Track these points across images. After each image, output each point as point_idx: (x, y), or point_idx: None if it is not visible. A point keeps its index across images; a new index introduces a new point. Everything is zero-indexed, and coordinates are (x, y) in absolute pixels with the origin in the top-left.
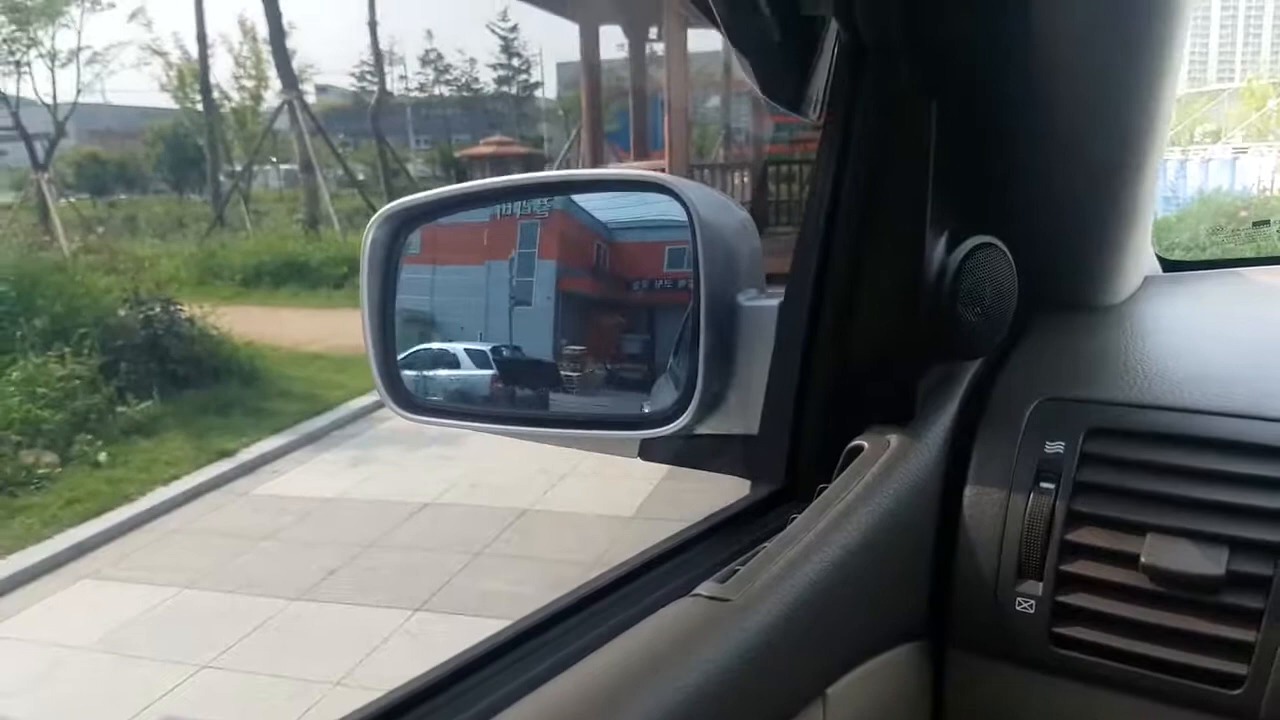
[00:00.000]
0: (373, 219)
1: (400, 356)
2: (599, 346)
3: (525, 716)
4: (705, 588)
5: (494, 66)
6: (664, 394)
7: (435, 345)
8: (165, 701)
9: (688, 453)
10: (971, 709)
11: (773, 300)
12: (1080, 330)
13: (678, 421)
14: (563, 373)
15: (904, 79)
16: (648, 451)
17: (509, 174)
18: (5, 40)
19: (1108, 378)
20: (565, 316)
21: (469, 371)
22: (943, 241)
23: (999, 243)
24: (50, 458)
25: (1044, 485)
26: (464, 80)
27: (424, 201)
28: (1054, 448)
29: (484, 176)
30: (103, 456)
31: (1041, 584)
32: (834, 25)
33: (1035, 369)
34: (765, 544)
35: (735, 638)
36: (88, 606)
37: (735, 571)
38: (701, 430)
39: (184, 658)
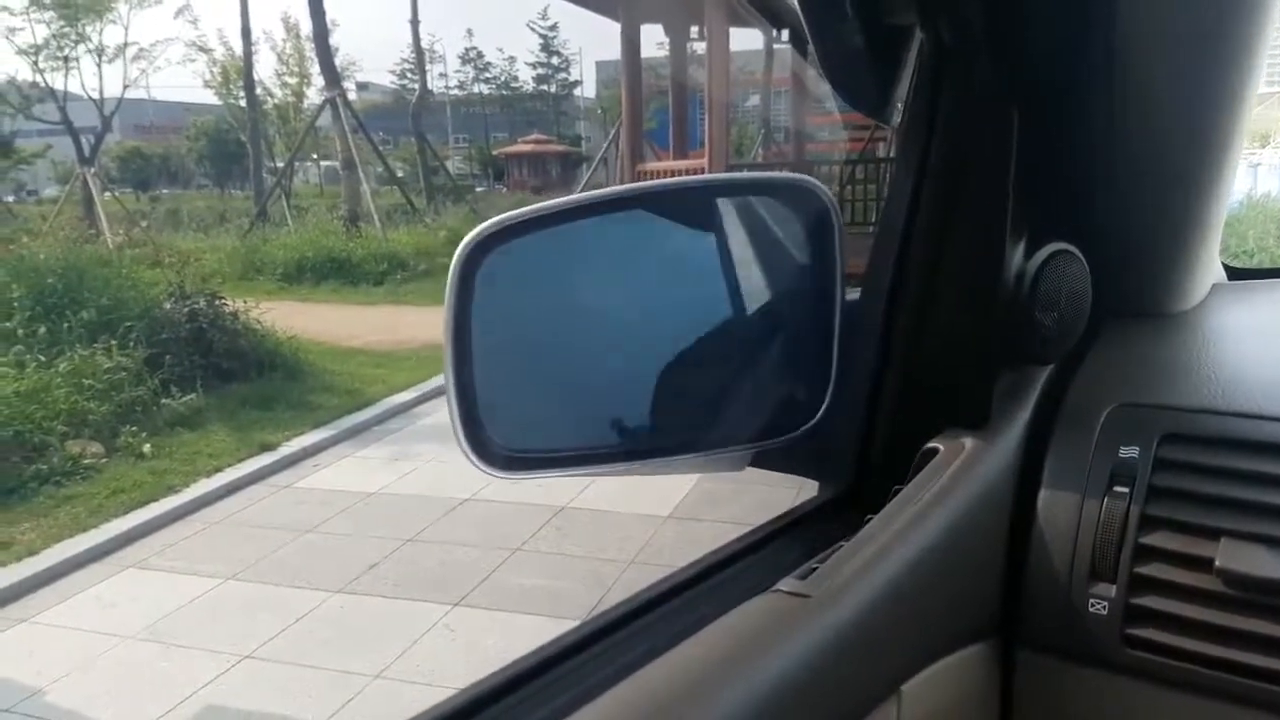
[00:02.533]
0: (462, 242)
1: (487, 398)
2: (720, 357)
3: (612, 706)
4: (786, 584)
5: (533, 65)
6: (788, 398)
7: (533, 385)
8: (208, 690)
9: (757, 455)
10: (1042, 708)
11: (849, 298)
12: (1153, 337)
13: (807, 425)
14: (681, 391)
15: (986, 85)
16: (757, 459)
17: (546, 171)
18: (54, 36)
19: (1181, 384)
20: (703, 317)
21: (577, 411)
22: (1020, 246)
23: (1075, 250)
24: (96, 448)
25: (1118, 489)
26: (503, 78)
27: (521, 219)
28: (1128, 452)
29: (521, 174)
30: (147, 448)
31: (1115, 586)
32: (917, 32)
33: (1109, 375)
34: (842, 542)
35: (815, 633)
36: (133, 596)
37: (814, 569)
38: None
39: (226, 648)
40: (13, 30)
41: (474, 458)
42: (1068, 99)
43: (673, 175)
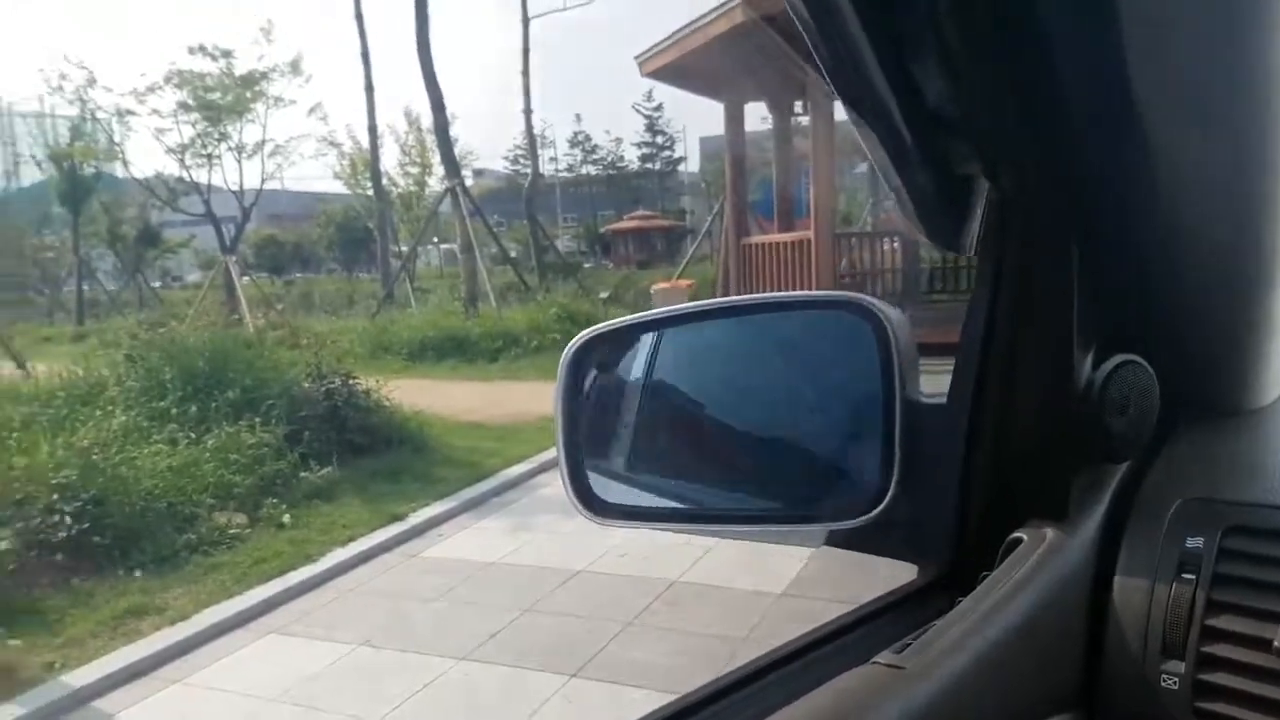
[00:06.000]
0: (570, 344)
1: (589, 466)
2: (789, 444)
3: None
4: (883, 657)
5: (638, 144)
6: (855, 486)
7: (626, 457)
8: None
9: (859, 538)
10: None
11: (937, 400)
12: (1221, 435)
13: (873, 512)
14: (757, 468)
15: (1047, 227)
16: (837, 539)
17: (651, 246)
18: (199, 135)
19: (1245, 480)
20: (776, 411)
21: (663, 479)
22: (1089, 359)
23: (1140, 360)
24: (240, 519)
25: (1185, 576)
26: (609, 159)
27: (615, 327)
28: (1194, 543)
29: (626, 250)
30: (287, 518)
31: (1184, 664)
32: (982, 181)
33: (1178, 471)
34: (935, 622)
35: (908, 701)
36: (274, 660)
37: (908, 645)
38: (889, 520)
39: (360, 712)
40: (161, 131)
41: (578, 505)
42: (1125, 228)
43: (777, 246)
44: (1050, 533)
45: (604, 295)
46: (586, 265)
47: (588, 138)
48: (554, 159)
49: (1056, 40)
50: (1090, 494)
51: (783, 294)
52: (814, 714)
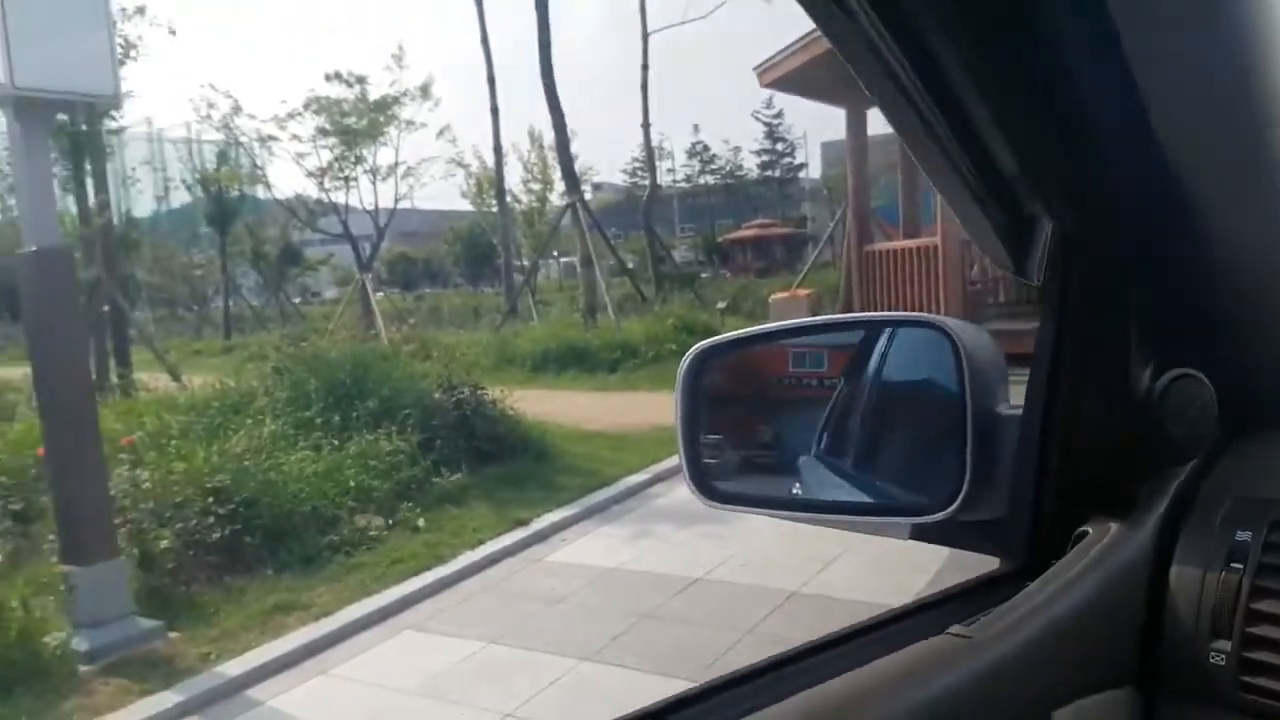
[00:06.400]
0: (687, 353)
1: (705, 460)
2: (893, 443)
3: (802, 705)
4: (954, 629)
5: (758, 152)
6: (935, 486)
7: (738, 450)
8: None
9: (948, 534)
10: None
11: (1015, 410)
12: (1276, 443)
13: (948, 509)
14: (857, 466)
15: (1104, 261)
16: (919, 533)
17: (770, 254)
18: (336, 159)
19: None
20: (867, 416)
21: (769, 471)
22: (1148, 373)
23: (1196, 372)
24: (378, 522)
25: (1234, 566)
26: (728, 168)
27: (727, 340)
28: (1243, 536)
29: (745, 258)
30: (421, 522)
31: (1231, 643)
32: (1046, 219)
33: (1234, 474)
34: (1005, 602)
35: (973, 666)
36: (410, 655)
37: (978, 619)
38: (964, 517)
39: (491, 706)
40: (301, 155)
41: (694, 489)
42: (1175, 252)
43: (902, 252)
44: (1115, 527)
45: (721, 305)
46: (704, 275)
47: (706, 148)
48: (672, 170)
49: (1104, 91)
50: (1152, 494)
51: (873, 314)
52: (887, 675)
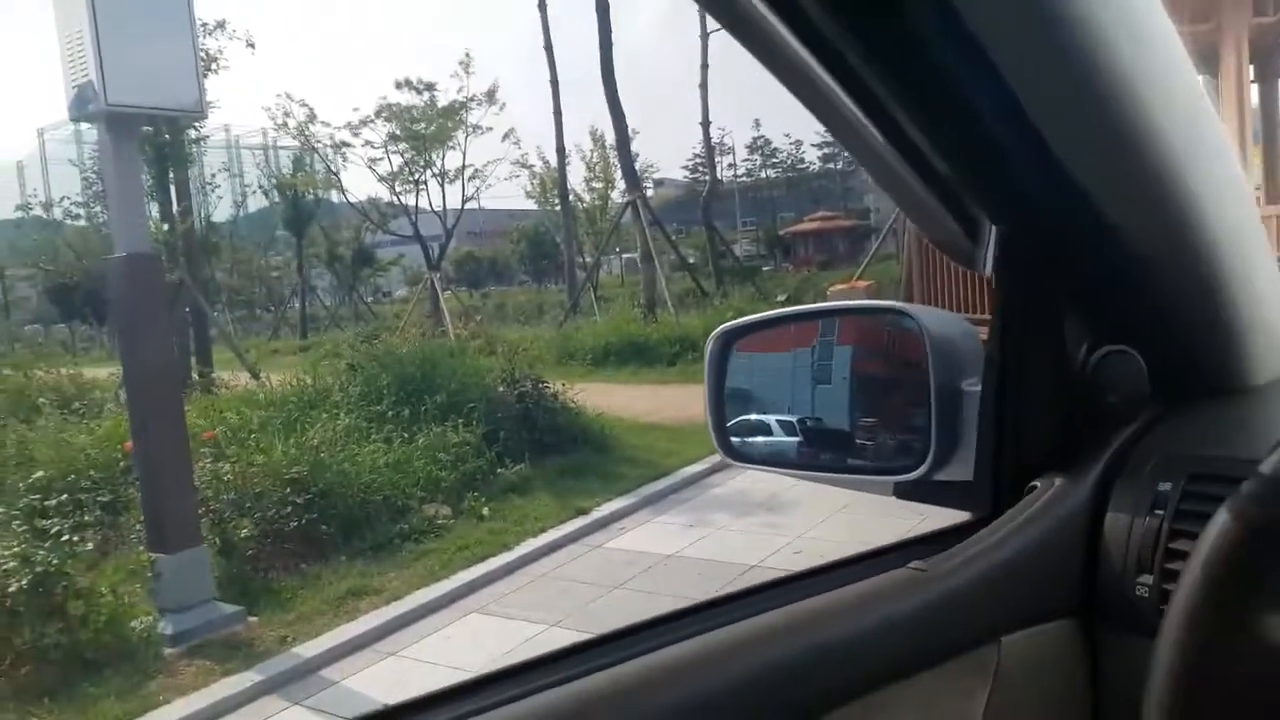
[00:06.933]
0: (711, 334)
1: (729, 424)
2: (876, 413)
3: (777, 619)
4: (913, 564)
5: (819, 145)
6: (910, 451)
7: (754, 416)
8: None
9: (927, 493)
10: (1109, 660)
11: (978, 387)
12: (1200, 409)
13: (920, 469)
14: (847, 433)
15: (1039, 252)
16: (901, 491)
17: (832, 246)
18: (406, 163)
19: (1212, 441)
20: (855, 391)
21: (779, 435)
22: (1083, 350)
23: (1126, 347)
24: (445, 511)
25: (1157, 512)
26: (789, 161)
27: (745, 322)
28: (1164, 487)
29: (806, 251)
30: (486, 511)
31: (1153, 577)
32: (989, 223)
33: (1162, 436)
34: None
35: (925, 597)
36: (476, 637)
37: (934, 556)
38: (939, 477)
39: None
40: (374, 160)
41: (720, 449)
42: (1102, 246)
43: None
44: (1059, 481)
45: (781, 298)
46: (765, 269)
47: (767, 142)
48: (732, 165)
49: (1005, 114)
50: (1092, 453)
51: (847, 303)
52: (851, 600)
